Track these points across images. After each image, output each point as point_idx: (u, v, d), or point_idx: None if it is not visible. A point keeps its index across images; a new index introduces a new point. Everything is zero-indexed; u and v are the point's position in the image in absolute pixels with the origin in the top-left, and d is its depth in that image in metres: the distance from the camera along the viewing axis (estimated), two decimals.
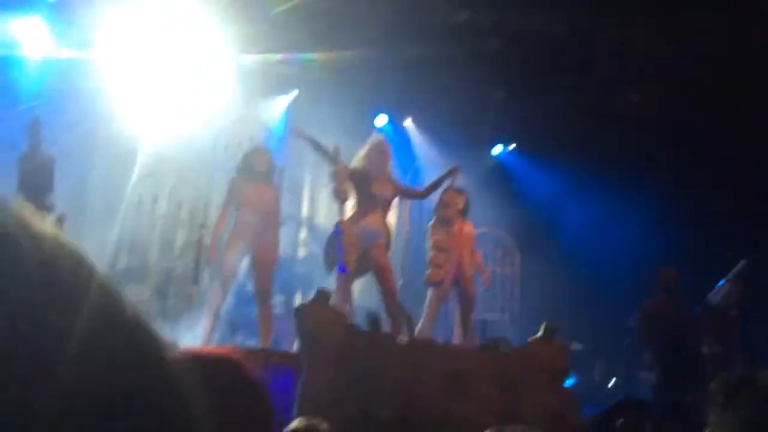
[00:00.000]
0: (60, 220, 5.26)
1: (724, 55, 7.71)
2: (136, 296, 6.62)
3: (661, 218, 8.63)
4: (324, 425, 2.94)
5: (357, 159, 6.40)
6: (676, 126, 8.62)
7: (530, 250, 8.45)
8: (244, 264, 6.82)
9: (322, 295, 5.16)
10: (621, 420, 3.99)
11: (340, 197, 6.28)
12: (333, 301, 5.24)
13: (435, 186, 6.80)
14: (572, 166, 9.37)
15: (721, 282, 6.40)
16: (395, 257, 6.96)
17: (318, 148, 6.41)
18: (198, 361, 1.50)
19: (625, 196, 8.79)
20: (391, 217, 7.01)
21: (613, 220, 8.99)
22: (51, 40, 8.03)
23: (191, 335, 6.42)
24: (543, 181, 9.75)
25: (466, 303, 6.49)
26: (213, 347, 1.88)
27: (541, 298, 7.98)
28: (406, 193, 6.95)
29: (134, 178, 7.88)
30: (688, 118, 8.43)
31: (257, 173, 6.70)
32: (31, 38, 7.98)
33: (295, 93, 9.46)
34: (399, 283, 6.58)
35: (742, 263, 6.34)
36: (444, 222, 6.65)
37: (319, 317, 5.02)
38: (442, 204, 6.74)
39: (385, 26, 8.07)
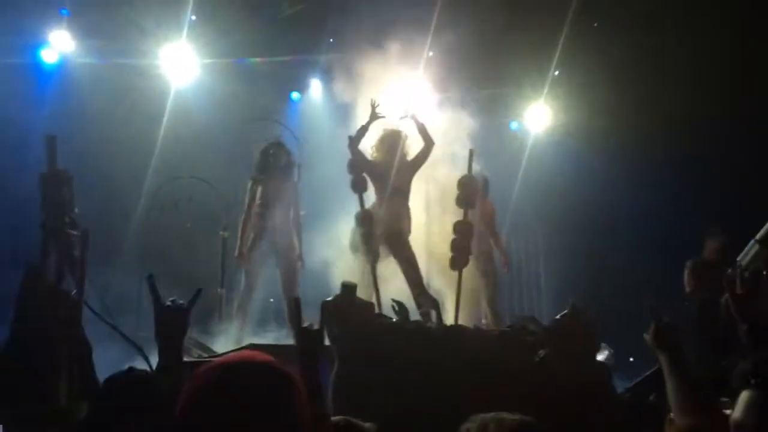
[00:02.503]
0: (84, 237, 5.31)
1: None
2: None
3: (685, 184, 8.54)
4: (366, 424, 2.96)
5: (371, 149, 6.43)
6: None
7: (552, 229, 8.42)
8: (271, 260, 6.90)
9: (348, 288, 5.18)
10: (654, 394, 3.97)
11: (359, 188, 6.32)
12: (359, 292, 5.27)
13: (421, 130, 6.53)
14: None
15: (751, 242, 6.31)
16: (421, 242, 6.98)
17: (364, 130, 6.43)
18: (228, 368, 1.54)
19: (639, 170, 8.69)
20: (417, 201, 6.98)
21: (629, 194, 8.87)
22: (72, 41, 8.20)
23: (223, 337, 6.52)
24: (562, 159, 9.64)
25: (491, 286, 6.51)
26: (238, 352, 1.91)
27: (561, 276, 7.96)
28: (419, 163, 6.63)
29: (153, 182, 8.00)
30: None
31: (276, 169, 6.77)
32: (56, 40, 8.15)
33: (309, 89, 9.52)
34: (424, 269, 6.58)
35: None
36: (464, 204, 6.65)
37: (345, 310, 5.05)
38: (461, 185, 6.73)
39: None
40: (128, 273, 7.14)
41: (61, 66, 8.44)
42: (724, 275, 5.73)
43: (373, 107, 6.29)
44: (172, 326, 2.29)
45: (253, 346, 5.21)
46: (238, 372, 1.52)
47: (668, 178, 8.78)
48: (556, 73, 9.45)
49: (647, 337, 2.75)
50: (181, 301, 2.36)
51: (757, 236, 6.34)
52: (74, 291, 5.24)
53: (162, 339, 2.30)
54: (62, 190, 5.76)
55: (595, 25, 9.06)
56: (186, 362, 4.62)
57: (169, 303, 2.32)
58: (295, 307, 2.53)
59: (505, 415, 1.83)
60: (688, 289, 6.52)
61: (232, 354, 1.66)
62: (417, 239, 6.75)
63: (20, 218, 6.39)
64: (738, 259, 6.44)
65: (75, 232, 5.46)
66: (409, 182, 6.47)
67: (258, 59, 8.95)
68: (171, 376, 2.18)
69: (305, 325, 2.27)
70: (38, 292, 5.02)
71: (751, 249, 6.34)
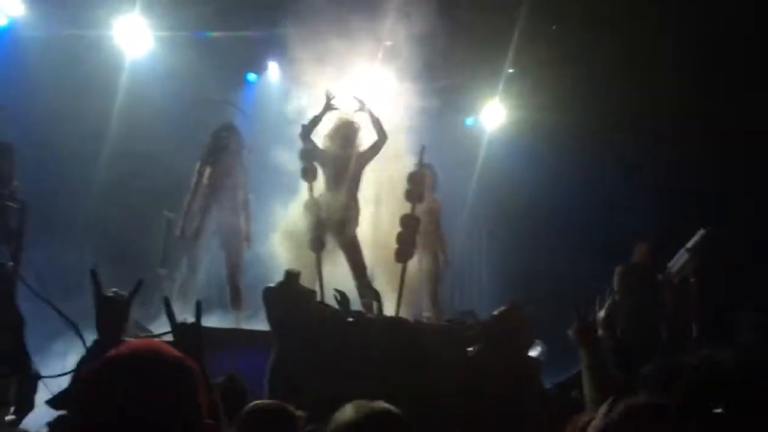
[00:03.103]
0: (23, 209, 5.25)
1: None
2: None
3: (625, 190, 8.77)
4: (297, 411, 3.01)
5: (324, 139, 6.46)
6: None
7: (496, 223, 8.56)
8: (216, 242, 6.88)
9: (291, 275, 5.23)
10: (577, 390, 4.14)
11: (309, 176, 6.35)
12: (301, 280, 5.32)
13: (375, 124, 6.58)
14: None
15: (681, 251, 6.58)
16: (367, 234, 7.04)
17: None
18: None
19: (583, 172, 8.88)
20: (366, 192, 7.03)
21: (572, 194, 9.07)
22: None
23: (163, 317, 6.48)
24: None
25: (433, 279, 6.63)
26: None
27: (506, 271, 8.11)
28: (370, 155, 6.67)
29: (105, 158, 7.88)
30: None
31: (226, 152, 6.74)
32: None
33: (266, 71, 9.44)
34: (369, 260, 6.66)
35: (700, 232, 6.51)
36: (412, 198, 6.74)
37: (288, 297, 5.09)
38: (410, 180, 6.82)
39: None
40: (72, 248, 7.04)
41: (9, 32, 8.19)
42: (654, 279, 5.94)
43: (328, 98, 6.32)
44: (112, 317, 2.30)
45: (182, 324, 5.18)
46: (125, 367, 1.50)
47: (619, 177, 8.99)
48: (510, 71, 9.58)
49: (570, 332, 2.89)
50: (122, 293, 2.37)
51: (688, 245, 6.63)
52: (9, 263, 5.19)
53: (101, 330, 2.31)
54: (1, 161, 5.67)
55: (554, 28, 9.21)
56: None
57: (110, 294, 2.33)
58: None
59: (374, 403, 1.90)
60: (616, 294, 6.76)
61: (127, 345, 1.61)
62: (364, 230, 6.82)
63: None
64: (669, 265, 6.72)
65: (13, 205, 5.40)
66: (359, 174, 6.53)
67: (215, 33, 8.81)
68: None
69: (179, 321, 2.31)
70: None
71: (681, 257, 6.62)
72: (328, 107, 6.35)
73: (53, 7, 8.10)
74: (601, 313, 3.19)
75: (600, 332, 3.08)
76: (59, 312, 3.02)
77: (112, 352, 1.55)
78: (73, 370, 2.43)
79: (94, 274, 2.30)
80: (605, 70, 8.91)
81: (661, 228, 7.37)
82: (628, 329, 6.43)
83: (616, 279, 6.91)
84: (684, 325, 6.25)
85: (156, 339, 2.26)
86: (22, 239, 5.30)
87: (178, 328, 2.29)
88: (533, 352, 6.27)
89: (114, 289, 2.34)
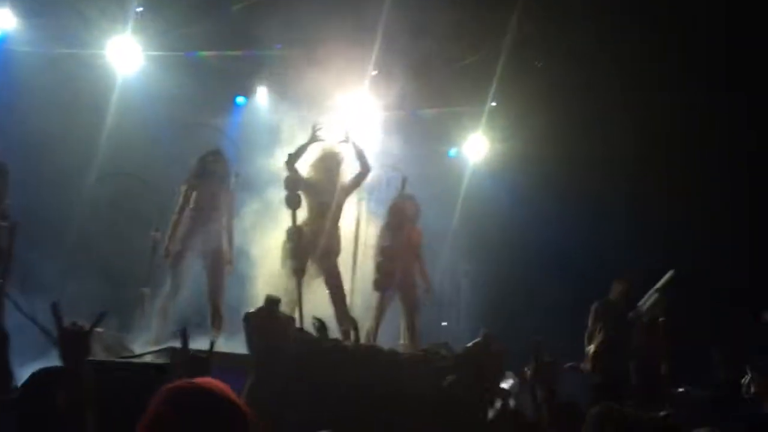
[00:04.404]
0: (12, 228, 5.35)
1: None
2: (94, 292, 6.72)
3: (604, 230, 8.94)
4: None
5: (308, 167, 6.61)
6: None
7: (477, 254, 8.71)
8: (198, 265, 6.99)
9: (271, 302, 5.35)
10: None
11: (292, 204, 6.49)
12: (282, 307, 5.44)
13: (359, 155, 6.70)
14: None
15: (651, 291, 6.79)
16: (348, 263, 7.17)
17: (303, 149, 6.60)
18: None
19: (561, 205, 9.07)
20: (348, 222, 7.18)
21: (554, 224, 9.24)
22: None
23: (145, 336, 6.57)
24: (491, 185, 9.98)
25: (411, 309, 6.77)
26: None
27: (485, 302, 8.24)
28: (352, 186, 6.82)
29: (93, 176, 7.98)
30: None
31: (213, 177, 6.87)
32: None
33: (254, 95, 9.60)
34: (348, 288, 6.79)
35: (670, 273, 6.72)
36: (392, 228, 6.89)
37: (268, 323, 5.20)
38: (391, 210, 6.98)
39: None
40: (59, 266, 7.12)
41: (1, 51, 8.27)
42: (626, 317, 6.15)
43: (314, 130, 6.48)
44: (73, 348, 2.44)
45: (173, 350, 5.29)
46: (199, 399, 1.63)
47: (599, 210, 9.18)
48: (494, 104, 9.81)
49: (527, 371, 3.03)
50: (80, 324, 2.51)
51: (657, 285, 6.85)
52: None
53: (65, 360, 2.45)
54: None
55: (539, 65, 9.45)
56: (104, 362, 4.71)
57: (69, 326, 2.47)
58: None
59: None
60: (589, 329, 6.97)
61: (197, 380, 1.76)
62: (345, 259, 6.95)
63: None
64: (639, 304, 6.93)
65: (4, 223, 5.50)
66: (342, 203, 6.67)
67: (205, 53, 8.96)
68: (70, 390, 2.37)
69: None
70: None
71: (650, 296, 6.84)
72: (314, 139, 6.52)
73: (46, 23, 8.21)
74: (590, 348, 3.32)
75: (587, 367, 3.23)
76: (43, 329, 3.14)
77: (173, 386, 1.68)
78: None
79: (54, 307, 2.45)
80: (587, 105, 9.16)
81: (638, 266, 7.57)
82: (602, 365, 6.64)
83: (591, 315, 7.12)
84: (654, 363, 6.44)
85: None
86: (11, 258, 5.39)
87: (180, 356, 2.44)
88: (505, 384, 6.43)
89: (72, 321, 2.48)
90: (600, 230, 9.06)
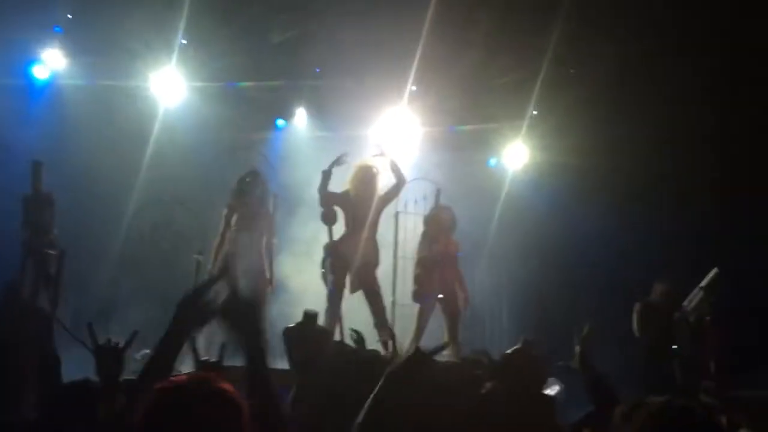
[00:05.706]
0: (60, 257, 5.59)
1: None
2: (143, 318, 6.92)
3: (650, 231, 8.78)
4: None
5: (344, 183, 6.71)
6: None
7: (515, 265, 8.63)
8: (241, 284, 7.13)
9: (309, 316, 5.42)
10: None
11: (328, 221, 6.58)
12: (321, 321, 5.52)
13: (394, 168, 6.77)
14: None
15: (696, 289, 6.63)
16: (388, 276, 7.23)
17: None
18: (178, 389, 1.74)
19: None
20: (387, 235, 7.24)
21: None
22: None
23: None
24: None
25: (452, 318, 6.77)
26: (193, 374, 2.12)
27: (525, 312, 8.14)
28: (388, 199, 6.88)
29: (134, 206, 8.24)
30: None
31: (251, 198, 7.03)
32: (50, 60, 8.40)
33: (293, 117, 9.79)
34: (389, 301, 6.85)
35: (714, 272, 6.56)
36: (430, 239, 6.92)
37: (306, 337, 5.27)
38: (428, 221, 7.01)
39: None
40: (106, 291, 7.37)
41: (51, 85, 8.65)
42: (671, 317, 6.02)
43: (340, 157, 6.55)
44: (108, 365, 2.55)
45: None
46: (190, 395, 1.68)
47: (641, 219, 9.04)
48: (534, 113, 9.77)
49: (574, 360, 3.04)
50: (116, 341, 2.63)
51: (702, 283, 6.68)
52: (48, 307, 5.52)
53: (101, 376, 2.56)
54: (44, 212, 6.06)
55: (572, 71, 9.39)
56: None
57: (104, 343, 2.59)
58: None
59: None
60: (636, 331, 6.84)
61: (190, 375, 1.81)
62: (385, 271, 7.01)
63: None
64: (684, 304, 6.77)
65: (53, 252, 5.76)
66: (378, 215, 6.74)
67: (246, 83, 9.19)
68: (109, 404, 2.47)
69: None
70: (13, 308, 5.27)
71: (695, 296, 6.67)
72: (338, 163, 6.57)
73: (93, 60, 8.55)
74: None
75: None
76: (92, 352, 3.30)
77: (165, 383, 1.74)
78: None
79: (90, 327, 2.57)
80: (627, 113, 9.05)
81: (681, 270, 7.40)
82: (646, 366, 6.51)
83: (634, 316, 7.00)
84: (701, 363, 6.27)
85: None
86: (60, 285, 5.63)
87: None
88: (551, 391, 6.34)
89: (108, 337, 2.60)
90: (641, 239, 8.91)
